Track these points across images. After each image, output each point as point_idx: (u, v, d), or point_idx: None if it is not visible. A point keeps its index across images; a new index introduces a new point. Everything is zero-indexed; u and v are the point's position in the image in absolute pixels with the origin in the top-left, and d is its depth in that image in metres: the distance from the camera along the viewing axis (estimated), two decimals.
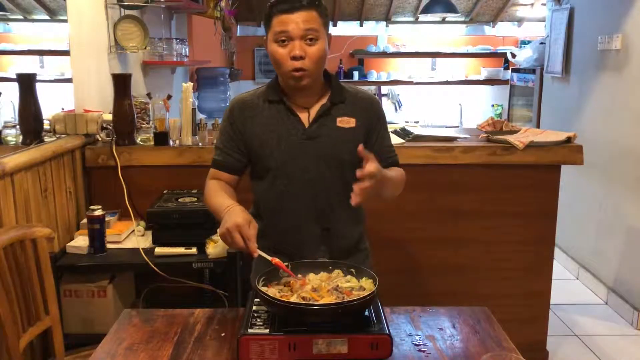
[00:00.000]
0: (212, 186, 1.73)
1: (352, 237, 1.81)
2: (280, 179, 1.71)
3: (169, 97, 2.74)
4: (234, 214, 1.51)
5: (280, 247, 1.71)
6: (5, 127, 2.43)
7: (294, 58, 1.60)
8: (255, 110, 1.72)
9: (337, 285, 1.44)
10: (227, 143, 1.75)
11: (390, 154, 1.81)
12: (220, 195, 1.67)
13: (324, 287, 1.44)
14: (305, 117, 1.70)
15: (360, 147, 1.52)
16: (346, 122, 1.71)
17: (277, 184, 1.72)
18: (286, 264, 1.51)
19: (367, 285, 1.46)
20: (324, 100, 1.72)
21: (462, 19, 6.50)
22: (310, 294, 1.40)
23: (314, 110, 1.71)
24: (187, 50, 3.65)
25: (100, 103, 2.73)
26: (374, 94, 1.95)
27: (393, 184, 1.71)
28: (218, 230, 1.52)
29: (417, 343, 1.45)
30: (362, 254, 1.85)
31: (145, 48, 3.06)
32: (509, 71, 6.01)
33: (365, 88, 1.85)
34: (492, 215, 2.74)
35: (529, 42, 5.98)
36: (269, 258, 1.49)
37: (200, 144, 2.63)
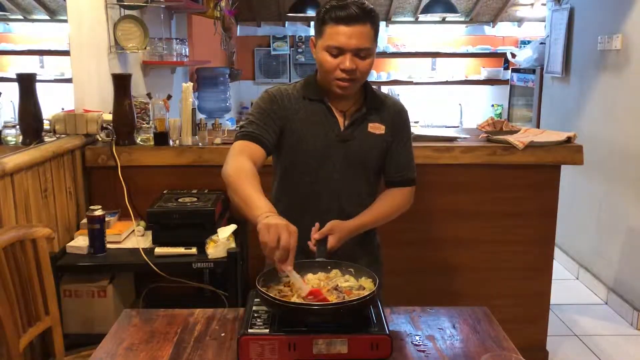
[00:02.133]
0: (246, 167, 1.53)
1: (365, 234, 1.82)
2: (309, 177, 1.73)
3: (169, 97, 2.74)
4: (285, 220, 1.35)
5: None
6: (5, 127, 2.42)
7: (344, 71, 1.62)
8: (297, 105, 1.73)
9: (337, 285, 1.44)
10: (264, 120, 1.68)
11: (403, 171, 1.81)
12: (257, 185, 1.48)
13: (323, 287, 1.44)
14: (341, 120, 1.73)
15: (315, 235, 1.62)
16: (377, 128, 1.75)
17: (304, 181, 1.74)
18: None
19: (367, 285, 1.46)
20: (358, 105, 1.75)
21: (462, 19, 6.49)
22: None
23: (350, 114, 1.74)
24: (187, 50, 3.65)
25: (100, 103, 2.73)
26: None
27: (375, 223, 1.78)
28: (265, 219, 1.33)
29: (417, 343, 1.45)
30: (372, 246, 1.89)
31: (145, 48, 3.06)
32: (509, 71, 6.01)
33: None
34: (492, 215, 2.74)
35: (529, 42, 5.97)
36: (307, 288, 1.36)
37: (200, 144, 2.63)
